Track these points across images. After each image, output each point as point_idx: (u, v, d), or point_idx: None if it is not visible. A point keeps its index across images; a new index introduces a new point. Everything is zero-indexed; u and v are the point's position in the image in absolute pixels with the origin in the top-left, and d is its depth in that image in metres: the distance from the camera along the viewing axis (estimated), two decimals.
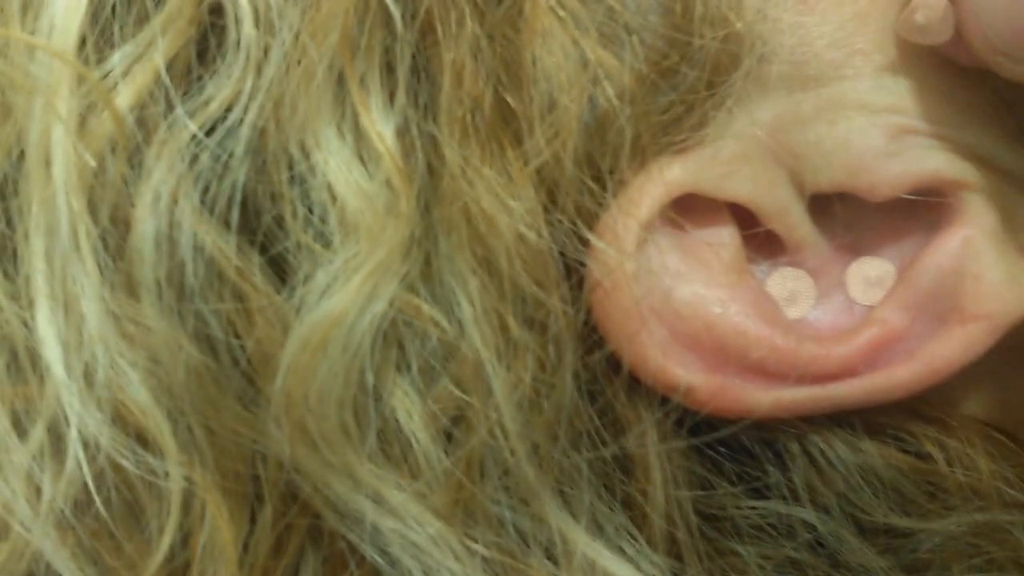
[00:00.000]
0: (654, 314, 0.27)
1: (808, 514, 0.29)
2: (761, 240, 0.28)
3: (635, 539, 0.28)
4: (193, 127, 0.26)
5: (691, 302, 0.27)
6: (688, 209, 0.27)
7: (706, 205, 0.28)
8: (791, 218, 0.28)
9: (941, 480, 0.29)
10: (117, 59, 0.26)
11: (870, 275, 0.28)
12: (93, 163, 0.26)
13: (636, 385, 0.28)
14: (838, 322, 0.28)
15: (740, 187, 0.27)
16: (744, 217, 0.28)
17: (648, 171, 0.27)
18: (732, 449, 0.29)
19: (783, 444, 0.29)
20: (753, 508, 0.29)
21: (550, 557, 0.27)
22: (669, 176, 0.27)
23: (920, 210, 0.28)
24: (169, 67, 0.26)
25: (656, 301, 0.27)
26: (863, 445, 0.29)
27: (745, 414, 0.27)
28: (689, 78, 0.27)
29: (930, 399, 0.29)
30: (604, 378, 0.28)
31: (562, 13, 0.26)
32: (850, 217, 0.28)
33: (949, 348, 0.27)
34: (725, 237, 0.28)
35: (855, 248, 0.29)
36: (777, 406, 0.27)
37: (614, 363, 0.27)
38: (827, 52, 0.27)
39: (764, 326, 0.27)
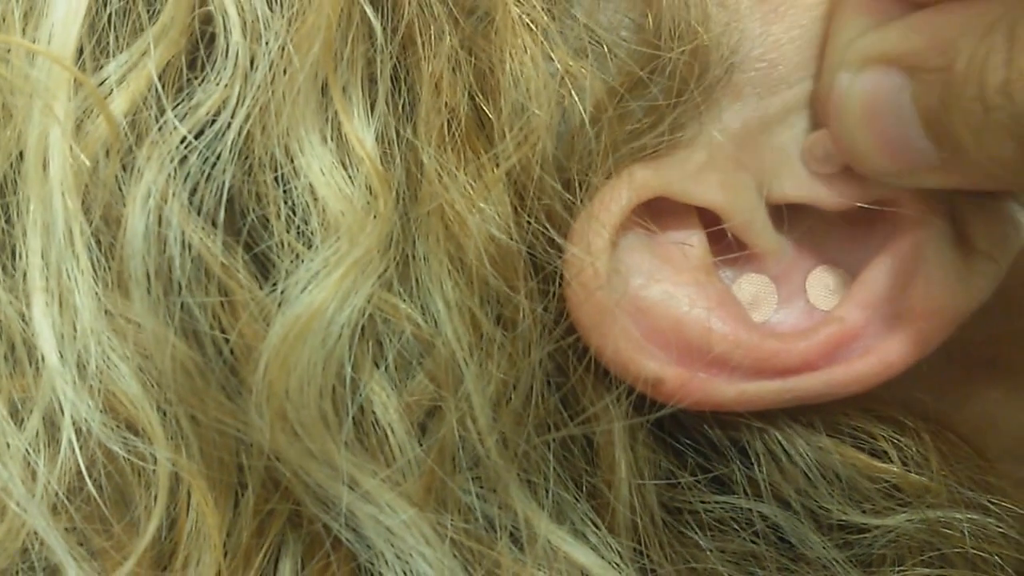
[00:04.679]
0: (625, 311, 0.28)
1: (769, 509, 0.30)
2: (727, 247, 0.29)
3: (598, 527, 0.29)
4: (183, 130, 0.27)
5: (660, 300, 0.28)
6: (658, 213, 0.29)
7: (675, 209, 0.29)
8: (756, 225, 0.29)
9: (896, 478, 0.30)
10: (113, 68, 0.27)
11: (829, 283, 0.30)
12: (88, 164, 0.27)
13: (602, 378, 0.29)
14: (799, 325, 0.29)
15: (708, 193, 0.28)
16: (712, 223, 0.29)
17: (619, 175, 0.28)
18: (697, 444, 0.30)
19: (747, 441, 0.30)
20: (717, 502, 0.30)
21: (516, 542, 0.28)
22: (639, 180, 0.28)
23: (876, 218, 0.29)
24: (161, 74, 0.27)
25: (627, 298, 0.28)
26: (823, 443, 0.30)
27: (711, 406, 0.28)
28: (658, 89, 0.28)
29: (887, 400, 0.30)
30: (570, 371, 0.29)
31: (533, 26, 0.27)
32: (810, 226, 0.29)
33: (903, 343, 0.28)
34: (693, 239, 0.29)
35: (815, 256, 0.30)
36: (741, 398, 0.28)
37: (580, 356, 0.28)
38: (795, 54, 0.28)
39: (729, 322, 0.28)
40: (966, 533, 0.29)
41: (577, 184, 0.28)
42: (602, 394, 0.29)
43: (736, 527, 0.30)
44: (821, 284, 0.30)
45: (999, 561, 0.29)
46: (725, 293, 0.29)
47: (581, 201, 0.28)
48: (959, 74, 0.24)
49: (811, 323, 0.29)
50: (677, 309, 0.28)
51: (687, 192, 0.28)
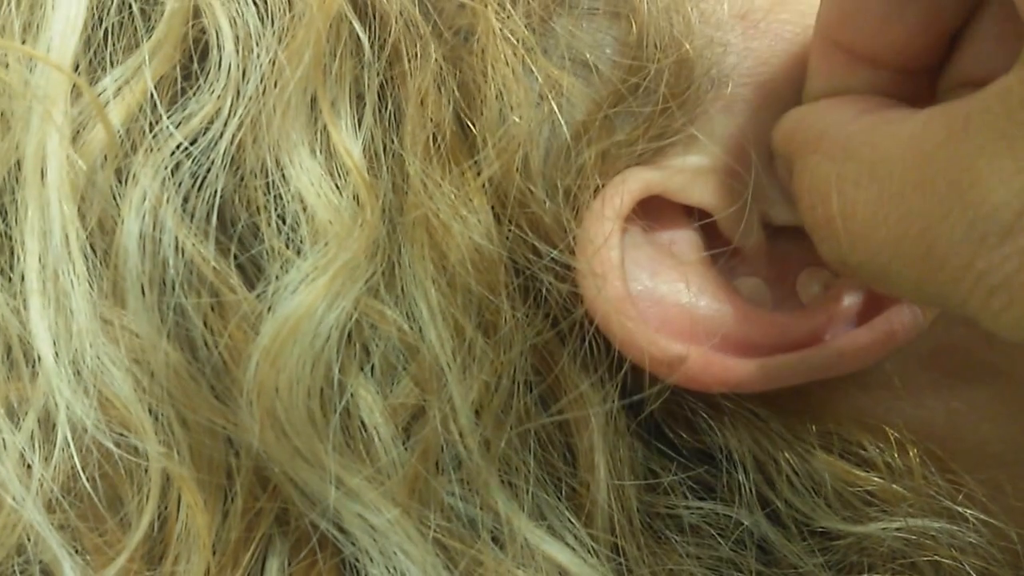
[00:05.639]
0: (636, 302, 0.29)
1: (750, 516, 0.30)
2: (720, 244, 0.30)
3: (576, 527, 0.29)
4: (179, 136, 0.27)
5: (667, 291, 0.29)
6: (656, 213, 0.29)
7: (671, 208, 0.30)
8: (747, 228, 0.29)
9: (879, 488, 0.30)
10: (109, 80, 0.28)
11: (819, 282, 0.30)
12: (85, 168, 0.27)
13: (581, 379, 0.29)
14: None
15: (703, 196, 0.29)
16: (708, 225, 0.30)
17: (618, 175, 0.29)
18: (685, 450, 0.31)
19: (735, 448, 0.30)
20: (698, 508, 0.30)
21: (496, 541, 0.29)
22: (639, 179, 0.29)
23: None
24: (156, 85, 0.28)
25: (638, 291, 0.29)
26: (812, 452, 0.30)
27: (731, 385, 0.29)
28: (645, 99, 0.28)
29: (872, 411, 0.31)
30: (549, 374, 0.29)
31: (514, 40, 0.28)
32: (796, 227, 0.30)
33: (901, 316, 0.29)
34: (688, 236, 0.30)
35: (804, 256, 0.30)
36: (758, 373, 0.29)
37: (559, 358, 0.29)
38: (784, 74, 0.28)
39: (736, 305, 0.29)
40: (940, 542, 0.30)
41: (564, 192, 0.29)
42: (582, 393, 0.29)
43: (715, 532, 0.30)
44: (810, 284, 0.30)
45: (967, 569, 0.30)
46: (726, 281, 0.30)
47: (573, 208, 0.28)
48: None
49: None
50: (684, 297, 0.29)
51: (682, 193, 0.29)
